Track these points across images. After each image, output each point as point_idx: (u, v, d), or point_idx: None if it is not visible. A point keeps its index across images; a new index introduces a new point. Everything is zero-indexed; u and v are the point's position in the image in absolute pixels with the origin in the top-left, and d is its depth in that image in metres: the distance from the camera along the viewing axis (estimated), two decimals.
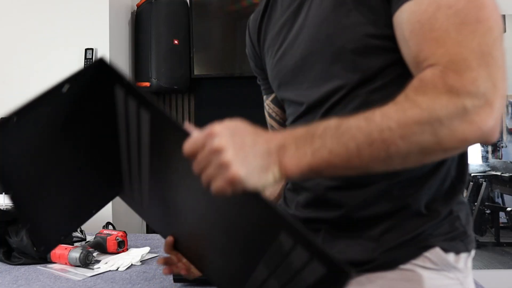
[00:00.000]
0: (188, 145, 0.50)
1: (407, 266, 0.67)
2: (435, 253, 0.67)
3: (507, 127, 3.14)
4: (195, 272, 0.77)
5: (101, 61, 0.55)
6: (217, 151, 0.49)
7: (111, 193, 0.74)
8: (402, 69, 0.64)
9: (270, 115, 0.95)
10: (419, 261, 0.67)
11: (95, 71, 0.56)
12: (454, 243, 0.69)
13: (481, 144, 0.63)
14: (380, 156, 0.53)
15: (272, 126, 0.96)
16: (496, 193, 4.44)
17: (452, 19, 0.56)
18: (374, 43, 0.66)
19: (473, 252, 0.72)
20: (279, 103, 0.91)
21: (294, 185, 0.81)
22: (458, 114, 0.52)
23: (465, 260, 0.70)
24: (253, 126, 0.53)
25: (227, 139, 0.49)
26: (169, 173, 0.62)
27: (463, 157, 0.72)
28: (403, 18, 0.61)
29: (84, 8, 2.17)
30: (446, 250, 0.68)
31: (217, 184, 0.49)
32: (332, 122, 0.54)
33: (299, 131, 0.54)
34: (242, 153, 0.50)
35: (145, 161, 0.61)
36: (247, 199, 0.51)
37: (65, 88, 0.55)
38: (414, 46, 0.59)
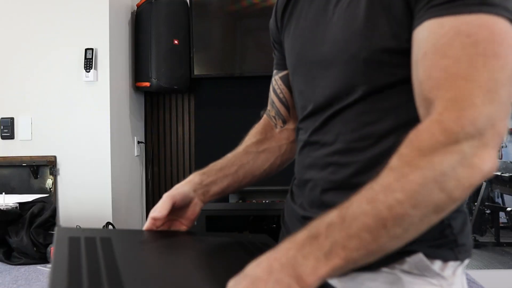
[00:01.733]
0: None
1: (388, 269, 0.67)
2: (418, 258, 0.66)
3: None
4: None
5: None
6: None
7: None
8: (409, 82, 0.63)
9: (274, 91, 0.95)
10: (400, 265, 0.66)
11: None
12: (441, 250, 0.67)
13: None
14: (397, 232, 0.51)
15: (272, 101, 0.95)
16: (496, 193, 4.44)
17: (468, 49, 0.54)
18: (389, 58, 0.65)
19: (466, 261, 0.70)
20: (288, 82, 0.90)
21: (299, 181, 0.82)
22: (458, 161, 0.51)
23: (454, 268, 0.68)
24: (258, 266, 0.51)
25: None
26: None
27: None
28: (423, 35, 0.59)
29: (84, 8, 2.17)
30: (430, 256, 0.66)
31: None
32: (333, 217, 0.52)
33: (300, 237, 0.52)
34: None
35: None
36: None
37: None
38: (422, 71, 0.58)
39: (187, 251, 0.76)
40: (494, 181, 3.98)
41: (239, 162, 0.90)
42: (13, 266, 1.40)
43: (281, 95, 0.93)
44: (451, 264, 0.68)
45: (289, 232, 0.82)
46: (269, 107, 0.97)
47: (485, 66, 0.53)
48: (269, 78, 0.98)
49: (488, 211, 3.98)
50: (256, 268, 0.51)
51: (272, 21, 0.94)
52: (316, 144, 0.76)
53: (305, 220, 0.75)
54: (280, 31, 0.90)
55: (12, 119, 2.19)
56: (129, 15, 2.49)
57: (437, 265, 0.67)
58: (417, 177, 0.50)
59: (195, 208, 0.83)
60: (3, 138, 2.19)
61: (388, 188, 0.51)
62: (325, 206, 0.72)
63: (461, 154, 0.51)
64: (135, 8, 2.50)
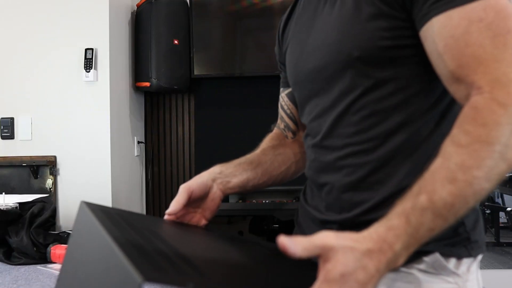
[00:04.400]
0: None
1: (407, 268, 0.68)
2: (434, 258, 0.68)
3: None
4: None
5: None
6: None
7: None
8: (411, 77, 0.66)
9: (282, 107, 0.99)
10: (418, 264, 0.68)
11: None
12: (456, 248, 0.70)
13: None
14: (472, 205, 0.56)
15: (281, 116, 0.99)
16: (496, 193, 4.43)
17: (485, 33, 0.58)
18: (384, 55, 0.68)
19: (479, 257, 0.72)
20: (293, 99, 0.93)
21: (314, 185, 0.82)
22: None
23: (468, 265, 0.70)
24: (354, 245, 0.52)
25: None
26: None
27: None
28: (433, 31, 0.62)
29: (84, 8, 2.17)
30: (446, 255, 0.69)
31: None
32: (424, 203, 0.54)
33: (400, 229, 0.53)
34: None
35: None
36: None
37: None
38: (451, 61, 0.61)
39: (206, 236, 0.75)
40: None
41: (258, 161, 0.90)
42: (13, 266, 1.40)
43: (288, 111, 0.97)
44: (465, 261, 0.70)
45: (304, 232, 0.82)
46: (278, 121, 1.01)
47: (505, 44, 0.58)
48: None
49: (488, 211, 3.97)
50: (367, 261, 0.51)
51: (276, 43, 0.99)
52: (326, 148, 0.77)
53: (323, 224, 0.77)
54: (283, 52, 0.94)
55: (12, 119, 2.19)
56: (129, 15, 2.49)
57: (452, 263, 0.69)
58: (488, 153, 0.54)
59: (215, 197, 0.81)
60: (3, 138, 2.19)
61: (464, 166, 0.54)
62: (344, 207, 0.74)
63: None
64: (135, 8, 2.50)
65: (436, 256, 0.68)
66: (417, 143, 0.70)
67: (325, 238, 0.52)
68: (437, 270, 0.69)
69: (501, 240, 3.81)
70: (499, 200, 4.54)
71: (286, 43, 0.90)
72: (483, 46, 0.58)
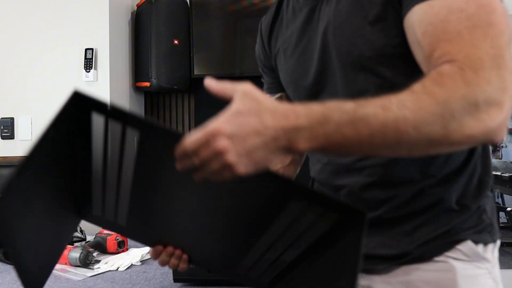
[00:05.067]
0: (189, 143, 0.51)
1: (441, 258, 0.71)
2: (467, 246, 0.71)
3: (507, 127, 3.14)
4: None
5: (77, 94, 0.55)
6: (219, 153, 0.49)
7: (77, 218, 0.77)
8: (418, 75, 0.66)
9: None
10: (451, 253, 0.71)
11: (73, 105, 0.56)
12: (482, 235, 0.73)
13: (485, 143, 0.66)
14: (391, 143, 0.53)
15: None
16: (496, 193, 4.43)
17: (465, 23, 0.57)
18: (395, 52, 0.68)
19: (498, 242, 0.76)
20: None
21: (329, 188, 0.82)
22: (470, 111, 0.52)
23: (492, 250, 0.74)
24: (262, 100, 0.52)
25: (229, 140, 0.49)
26: (161, 181, 0.63)
27: (487, 153, 0.76)
28: (414, 19, 0.62)
29: (84, 8, 2.17)
30: (476, 242, 0.72)
31: (218, 179, 0.52)
32: (348, 106, 0.53)
33: (316, 112, 0.53)
34: (244, 151, 0.50)
35: (127, 178, 0.63)
36: (253, 179, 0.53)
37: (52, 134, 0.57)
38: (427, 45, 0.60)
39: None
40: (494, 181, 3.98)
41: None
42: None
43: None
44: (490, 247, 0.74)
45: None
46: None
47: (485, 35, 0.56)
48: None
49: None
50: (264, 121, 0.51)
51: (259, 47, 0.95)
52: None
53: None
54: (270, 56, 0.92)
55: (12, 119, 2.19)
56: (129, 15, 2.49)
57: (480, 249, 0.72)
58: (430, 107, 0.52)
59: None
60: (3, 138, 2.19)
61: (403, 104, 0.53)
62: (370, 206, 0.73)
63: (474, 106, 0.52)
64: (135, 8, 2.50)
65: (469, 243, 0.71)
66: None
67: (246, 85, 0.53)
68: (470, 257, 0.71)
69: (501, 240, 3.81)
70: (499, 200, 4.54)
71: (276, 48, 0.88)
72: (461, 34, 0.57)
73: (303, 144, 0.52)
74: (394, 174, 0.73)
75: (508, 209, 3.90)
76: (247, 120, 0.50)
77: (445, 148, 0.56)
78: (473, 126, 0.52)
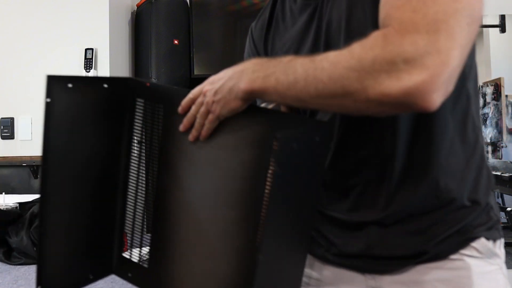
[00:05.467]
0: (185, 101, 0.69)
1: (456, 256, 0.72)
2: (481, 243, 0.72)
3: (507, 127, 3.14)
4: None
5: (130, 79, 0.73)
6: (204, 94, 0.67)
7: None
8: None
9: None
10: (466, 250, 0.72)
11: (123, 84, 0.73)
12: (492, 231, 0.74)
13: (409, 106, 0.65)
14: (311, 91, 0.59)
15: None
16: (496, 193, 4.43)
17: None
18: None
19: (503, 238, 0.77)
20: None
21: (337, 186, 0.79)
22: (387, 69, 0.53)
23: (499, 246, 0.75)
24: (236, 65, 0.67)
25: (212, 95, 0.66)
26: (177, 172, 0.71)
27: (482, 150, 0.76)
28: None
29: (84, 8, 2.17)
30: (487, 239, 0.73)
31: (206, 127, 0.67)
32: (288, 57, 0.63)
33: (262, 59, 0.66)
34: (216, 91, 0.66)
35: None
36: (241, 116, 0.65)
37: (105, 85, 0.70)
38: (382, 15, 0.61)
39: None
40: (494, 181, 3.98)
41: None
42: (13, 266, 1.40)
43: None
44: (498, 242, 0.75)
45: (327, 238, 0.80)
46: None
47: (435, 1, 0.54)
48: None
49: None
50: (231, 74, 0.67)
51: (250, 52, 0.94)
52: (347, 149, 0.75)
53: (358, 224, 0.75)
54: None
55: (12, 119, 2.19)
56: (129, 15, 2.49)
57: (491, 245, 0.74)
58: (346, 61, 0.56)
59: None
60: (3, 138, 2.19)
61: (325, 57, 0.59)
62: (375, 204, 0.73)
63: (391, 65, 0.53)
64: (135, 8, 2.50)
65: (482, 240, 0.72)
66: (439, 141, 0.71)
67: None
68: (484, 254, 0.72)
69: None
70: (499, 200, 4.54)
71: (275, 51, 0.86)
72: (410, 0, 0.56)
73: (244, 84, 0.63)
74: (410, 170, 0.72)
75: (508, 209, 3.90)
76: (218, 76, 0.68)
77: (366, 106, 0.56)
78: (390, 84, 0.53)
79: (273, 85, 0.61)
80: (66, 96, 0.65)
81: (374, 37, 0.56)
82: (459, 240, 0.72)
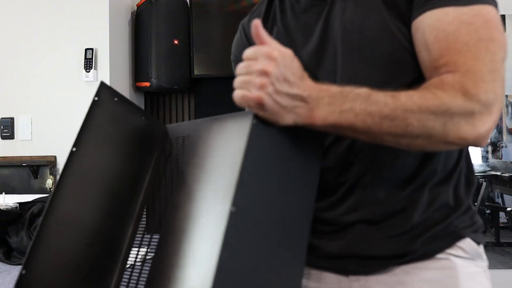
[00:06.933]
0: (248, 52, 0.59)
1: (442, 255, 0.73)
2: (467, 243, 0.74)
3: (507, 127, 3.14)
4: None
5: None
6: (263, 72, 0.57)
7: None
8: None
9: None
10: (453, 250, 0.73)
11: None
12: (477, 235, 0.76)
13: (474, 146, 0.72)
14: (397, 131, 0.60)
15: None
16: (496, 193, 4.43)
17: (473, 35, 0.64)
18: (408, 48, 0.70)
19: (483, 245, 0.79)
20: None
21: (334, 181, 0.78)
22: (466, 116, 0.60)
23: (482, 249, 0.77)
24: (301, 68, 0.60)
25: (278, 68, 0.57)
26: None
27: (469, 154, 0.79)
28: (426, 23, 0.66)
29: (84, 8, 2.17)
30: (473, 240, 0.74)
31: (243, 94, 0.59)
32: (363, 91, 0.60)
33: (334, 90, 0.61)
34: (279, 86, 0.57)
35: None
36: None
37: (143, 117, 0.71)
38: (437, 50, 0.65)
39: None
40: (494, 181, 3.98)
41: None
42: (13, 266, 1.40)
43: None
44: (481, 247, 0.77)
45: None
46: None
47: (487, 50, 0.63)
48: None
49: (488, 211, 3.97)
50: (298, 81, 0.59)
51: (241, 48, 0.90)
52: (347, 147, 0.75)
53: (348, 225, 0.75)
54: None
55: (12, 119, 2.19)
56: (129, 15, 2.49)
57: (477, 247, 0.75)
58: (433, 104, 0.60)
59: None
60: (3, 138, 2.19)
61: (410, 98, 0.60)
62: (368, 201, 0.74)
63: (470, 112, 0.60)
64: (135, 8, 2.50)
65: (468, 241, 0.74)
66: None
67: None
68: (469, 255, 0.73)
69: (501, 240, 3.80)
70: (499, 200, 4.54)
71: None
72: (468, 45, 0.63)
73: (320, 115, 0.59)
74: (398, 172, 0.73)
75: (508, 209, 3.90)
76: (292, 64, 0.59)
77: (440, 146, 0.63)
78: (467, 130, 0.61)
79: (351, 121, 0.59)
80: (110, 105, 0.67)
81: (452, 85, 0.61)
82: (446, 239, 0.73)
